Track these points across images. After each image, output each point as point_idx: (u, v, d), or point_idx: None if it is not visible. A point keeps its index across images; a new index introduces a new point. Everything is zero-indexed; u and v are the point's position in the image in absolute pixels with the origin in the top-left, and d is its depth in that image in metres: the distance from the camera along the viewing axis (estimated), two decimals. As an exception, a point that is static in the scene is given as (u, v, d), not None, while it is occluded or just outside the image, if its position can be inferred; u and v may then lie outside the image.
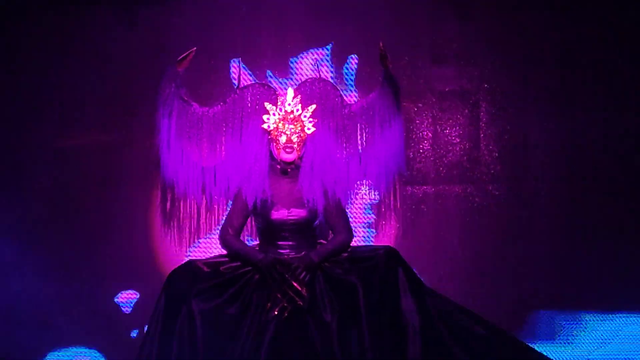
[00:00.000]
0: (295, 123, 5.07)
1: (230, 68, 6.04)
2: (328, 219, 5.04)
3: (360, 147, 5.12)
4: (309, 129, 5.08)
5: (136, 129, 6.01)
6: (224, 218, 5.08)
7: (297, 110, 5.08)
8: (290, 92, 5.12)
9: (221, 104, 5.14)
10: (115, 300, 6.12)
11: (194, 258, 5.07)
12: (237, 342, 4.75)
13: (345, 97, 5.18)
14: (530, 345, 5.07)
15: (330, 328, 4.76)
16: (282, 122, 5.07)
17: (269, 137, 5.09)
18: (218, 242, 5.07)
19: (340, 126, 5.12)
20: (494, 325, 4.97)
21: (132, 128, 6.04)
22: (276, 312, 4.79)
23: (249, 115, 5.10)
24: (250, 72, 6.06)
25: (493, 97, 6.09)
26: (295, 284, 4.86)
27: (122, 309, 6.13)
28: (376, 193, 5.14)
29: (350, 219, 5.11)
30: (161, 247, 5.96)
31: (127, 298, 6.14)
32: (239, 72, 5.31)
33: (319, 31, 6.10)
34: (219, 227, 5.08)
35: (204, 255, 5.62)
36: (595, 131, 6.07)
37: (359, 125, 5.13)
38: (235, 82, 5.36)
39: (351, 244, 5.04)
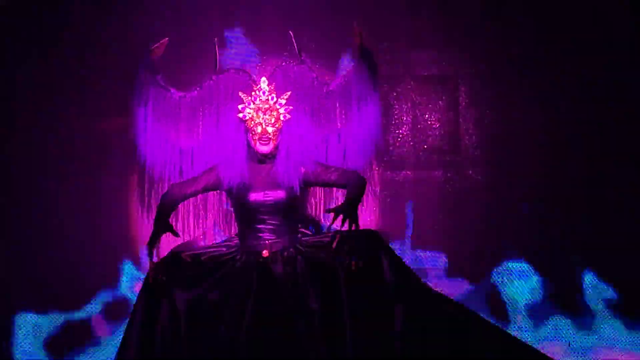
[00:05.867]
0: (271, 113, 5.05)
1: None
2: (324, 181, 5.04)
3: (339, 125, 5.12)
4: (284, 117, 5.07)
5: (115, 118, 5.98)
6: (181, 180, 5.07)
7: (272, 99, 5.07)
8: (265, 81, 5.10)
9: (198, 89, 5.15)
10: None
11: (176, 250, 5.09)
12: (219, 326, 4.78)
13: (320, 78, 5.16)
14: (497, 325, 5.13)
15: (314, 314, 4.78)
16: (257, 112, 5.06)
17: (245, 126, 5.09)
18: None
19: (316, 107, 5.11)
20: (464, 306, 5.02)
21: (111, 116, 6.00)
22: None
23: (225, 103, 5.11)
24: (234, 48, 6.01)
25: (472, 82, 6.07)
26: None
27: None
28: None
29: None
30: (141, 236, 5.95)
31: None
32: (216, 53, 5.29)
33: (296, 15, 6.04)
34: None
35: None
36: (574, 115, 6.04)
37: (337, 102, 5.12)
38: (218, 61, 5.35)
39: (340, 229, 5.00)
